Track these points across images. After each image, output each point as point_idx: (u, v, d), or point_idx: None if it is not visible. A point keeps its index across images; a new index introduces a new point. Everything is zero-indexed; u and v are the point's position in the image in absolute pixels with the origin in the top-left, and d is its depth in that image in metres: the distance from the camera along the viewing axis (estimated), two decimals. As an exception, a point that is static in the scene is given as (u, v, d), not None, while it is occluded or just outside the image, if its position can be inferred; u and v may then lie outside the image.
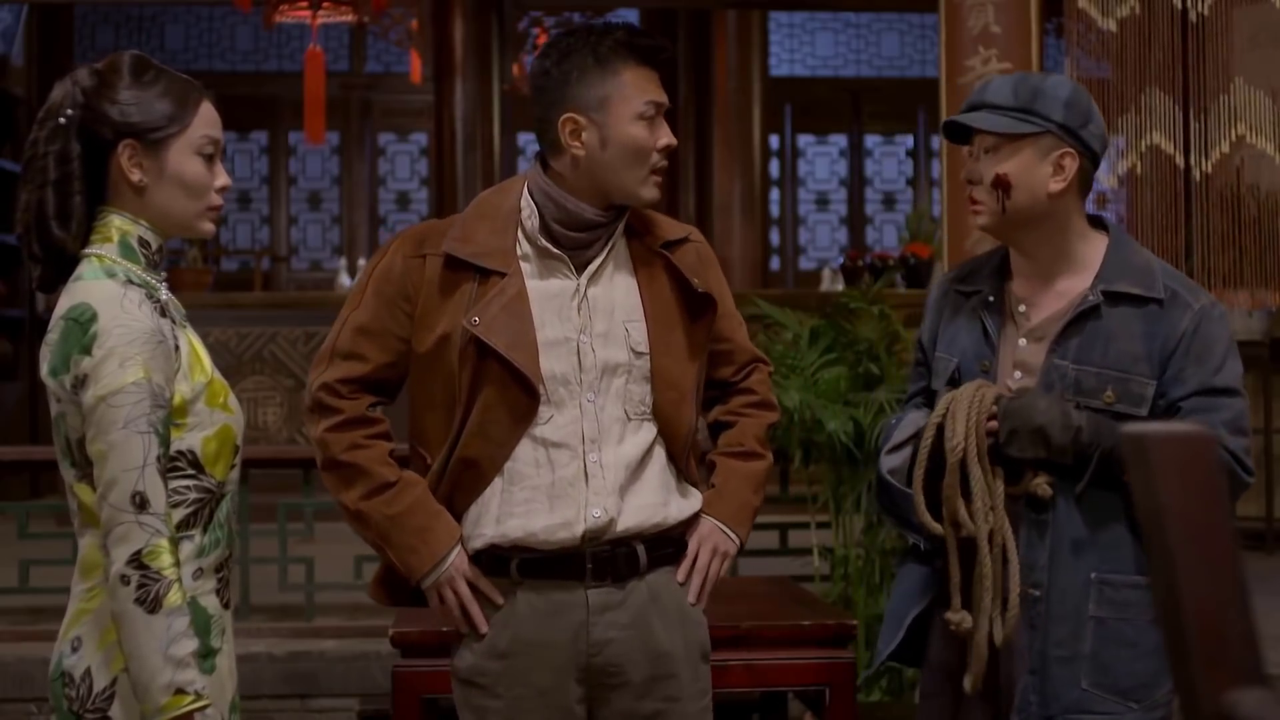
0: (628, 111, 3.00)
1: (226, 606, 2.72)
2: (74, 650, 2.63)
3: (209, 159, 2.71)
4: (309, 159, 14.73)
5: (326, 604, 6.22)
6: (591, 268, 3.05)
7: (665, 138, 3.04)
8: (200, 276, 10.27)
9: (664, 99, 3.06)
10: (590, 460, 2.99)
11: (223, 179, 2.73)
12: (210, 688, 2.60)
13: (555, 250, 3.04)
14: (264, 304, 10.10)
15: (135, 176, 2.67)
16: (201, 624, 2.63)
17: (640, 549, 3.04)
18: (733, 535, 3.14)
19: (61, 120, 2.68)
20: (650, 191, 3.04)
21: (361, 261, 11.53)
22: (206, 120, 2.71)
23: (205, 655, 2.63)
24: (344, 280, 11.15)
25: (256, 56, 14.62)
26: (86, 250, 2.67)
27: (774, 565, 5.91)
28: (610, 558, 3.02)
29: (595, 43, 3.02)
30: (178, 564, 2.54)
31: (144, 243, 2.69)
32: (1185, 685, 1.26)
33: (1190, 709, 1.26)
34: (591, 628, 3.02)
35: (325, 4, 9.39)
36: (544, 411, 2.99)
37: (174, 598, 2.51)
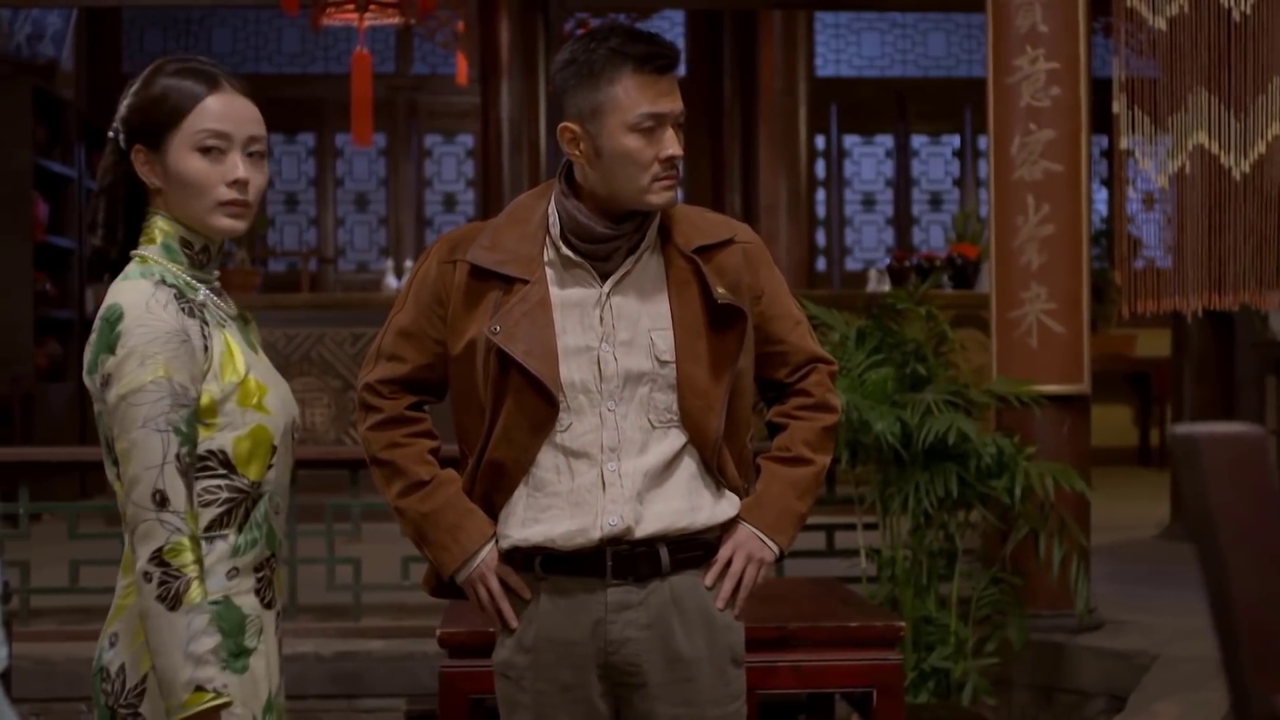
0: (619, 122, 2.96)
1: (269, 606, 2.72)
2: (111, 646, 2.65)
3: (211, 153, 2.68)
4: (356, 161, 14.77)
5: (373, 604, 6.24)
6: (616, 276, 3.04)
7: (668, 148, 2.98)
8: (248, 278, 10.30)
9: (666, 108, 2.97)
10: (608, 469, 3.00)
11: (235, 172, 2.68)
12: (241, 687, 2.61)
13: (577, 258, 3.04)
14: (311, 305, 10.13)
15: (150, 180, 2.70)
16: (236, 623, 2.64)
17: (662, 550, 3.04)
18: (770, 542, 3.12)
19: (110, 133, 2.75)
20: (659, 197, 3.00)
21: (408, 263, 11.55)
22: (208, 114, 2.68)
23: (238, 654, 2.63)
24: (390, 281, 11.17)
25: (303, 59, 14.66)
26: (135, 251, 2.71)
27: (821, 566, 5.90)
28: (630, 557, 3.03)
29: (591, 50, 2.98)
30: (199, 561, 2.54)
31: (186, 243, 2.71)
32: (1236, 686, 1.25)
33: (1241, 709, 1.25)
34: (610, 626, 3.04)
35: (372, 6, 9.41)
36: (564, 419, 3.01)
37: (194, 595, 2.52)
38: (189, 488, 2.57)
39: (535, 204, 3.12)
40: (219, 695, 2.52)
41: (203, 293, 2.71)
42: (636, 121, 2.96)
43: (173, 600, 2.51)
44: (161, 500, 2.53)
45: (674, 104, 3.00)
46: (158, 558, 2.52)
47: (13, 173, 10.38)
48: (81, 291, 11.10)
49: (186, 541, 2.53)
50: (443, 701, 3.95)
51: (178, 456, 2.55)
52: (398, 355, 3.13)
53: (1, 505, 6.28)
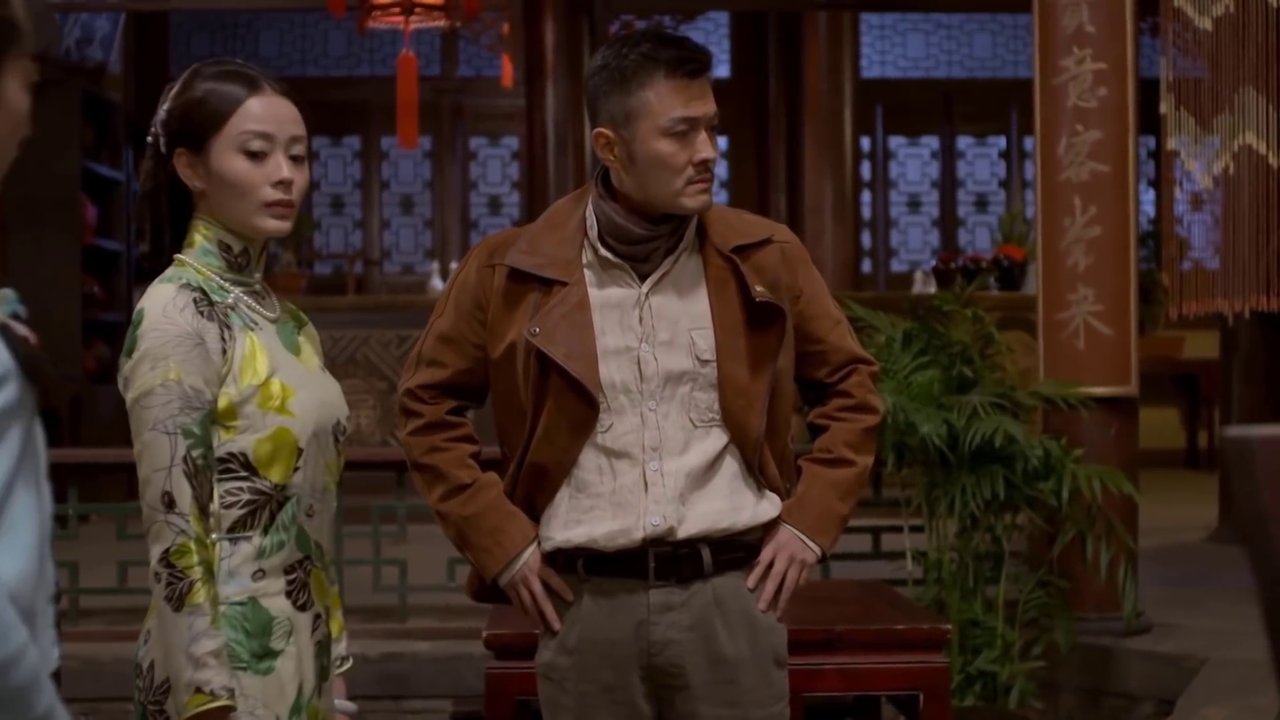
0: (651, 127, 2.98)
1: (303, 608, 2.71)
2: (144, 642, 2.68)
3: (255, 155, 2.68)
4: (401, 163, 14.81)
5: (419, 605, 6.25)
6: (655, 276, 3.05)
7: (702, 152, 2.99)
8: (294, 280, 10.34)
9: (698, 112, 2.98)
10: (650, 469, 3.01)
11: (279, 173, 2.69)
12: (264, 688, 2.62)
13: (616, 260, 3.05)
14: (357, 307, 10.16)
15: (193, 183, 2.71)
16: (261, 625, 2.64)
17: (705, 551, 3.04)
18: (811, 544, 3.12)
19: (149, 137, 2.75)
20: (693, 200, 3.01)
21: (453, 265, 11.56)
22: (250, 116, 2.68)
23: (262, 656, 2.64)
24: (436, 283, 11.20)
25: (349, 62, 14.71)
26: (178, 254, 2.73)
27: (867, 569, 5.89)
28: (673, 558, 3.03)
29: (623, 55, 3.00)
30: (205, 563, 2.55)
31: (224, 246, 2.72)
32: (1289, 691, 1.24)
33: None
34: (652, 627, 3.04)
35: (417, 9, 9.43)
36: (605, 420, 3.02)
37: (196, 596, 2.53)
38: (201, 490, 2.58)
39: (572, 208, 3.13)
40: (217, 697, 2.52)
41: (233, 295, 2.71)
42: (669, 126, 2.97)
43: (177, 601, 2.53)
44: (169, 502, 2.55)
45: (706, 108, 3.00)
46: (165, 559, 2.54)
47: (61, 176, 10.43)
48: (129, 294, 11.15)
49: (192, 543, 2.54)
50: (489, 703, 3.95)
51: (185, 459, 2.57)
52: (438, 360, 3.15)
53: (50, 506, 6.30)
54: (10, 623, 1.75)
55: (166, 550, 2.54)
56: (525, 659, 3.74)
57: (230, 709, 2.54)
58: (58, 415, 9.89)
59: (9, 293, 1.85)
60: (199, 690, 2.51)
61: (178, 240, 2.75)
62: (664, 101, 2.97)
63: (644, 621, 3.05)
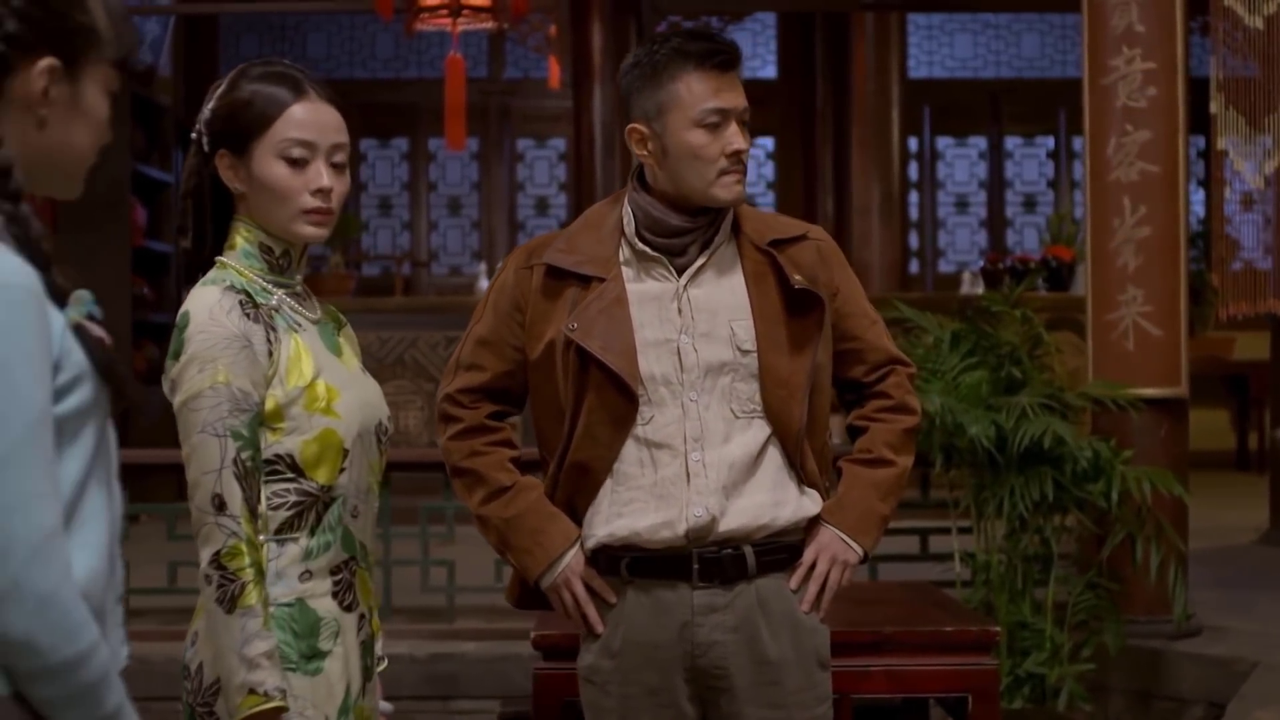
0: (683, 119, 3.01)
1: (349, 609, 2.72)
2: (192, 644, 2.70)
3: (296, 162, 2.69)
4: (449, 165, 14.84)
5: (467, 606, 6.26)
6: (693, 269, 3.07)
7: (733, 143, 3.02)
8: (342, 282, 10.37)
9: (729, 103, 3.02)
10: (692, 460, 3.01)
11: (318, 182, 2.69)
12: (313, 689, 2.63)
13: (653, 254, 3.07)
14: (405, 308, 10.18)
15: (233, 185, 2.71)
16: (309, 625, 2.65)
17: (748, 551, 3.04)
18: (854, 544, 3.11)
19: (193, 135, 2.76)
20: (726, 192, 3.04)
21: (500, 266, 11.60)
22: (294, 123, 2.69)
23: (311, 657, 2.64)
24: (483, 285, 11.21)
25: (397, 64, 14.75)
26: (219, 256, 2.74)
27: (915, 570, 5.88)
28: (717, 559, 3.03)
29: (654, 52, 3.04)
30: (256, 565, 2.56)
31: (266, 248, 2.72)
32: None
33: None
34: (696, 629, 3.04)
35: (465, 11, 9.44)
36: (645, 412, 3.03)
37: (249, 598, 2.53)
38: (250, 491, 2.59)
39: (609, 210, 3.16)
40: (270, 698, 2.53)
41: (277, 297, 2.72)
42: (700, 117, 3.01)
43: (229, 603, 2.53)
44: (220, 504, 2.55)
45: (737, 100, 3.04)
46: (216, 560, 2.54)
47: (111, 178, 10.49)
48: (179, 295, 11.19)
49: (243, 545, 2.55)
50: (537, 703, 3.95)
51: (235, 460, 2.57)
52: (477, 364, 3.17)
53: (101, 506, 6.36)
54: (81, 620, 1.77)
55: (217, 552, 2.55)
56: (573, 660, 3.74)
57: (283, 709, 2.55)
58: (129, 416, 9.97)
59: (85, 294, 1.87)
60: (252, 691, 2.52)
61: (219, 240, 2.76)
62: (695, 93, 3.01)
63: (688, 623, 3.05)
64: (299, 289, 2.79)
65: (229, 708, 2.54)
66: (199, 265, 2.76)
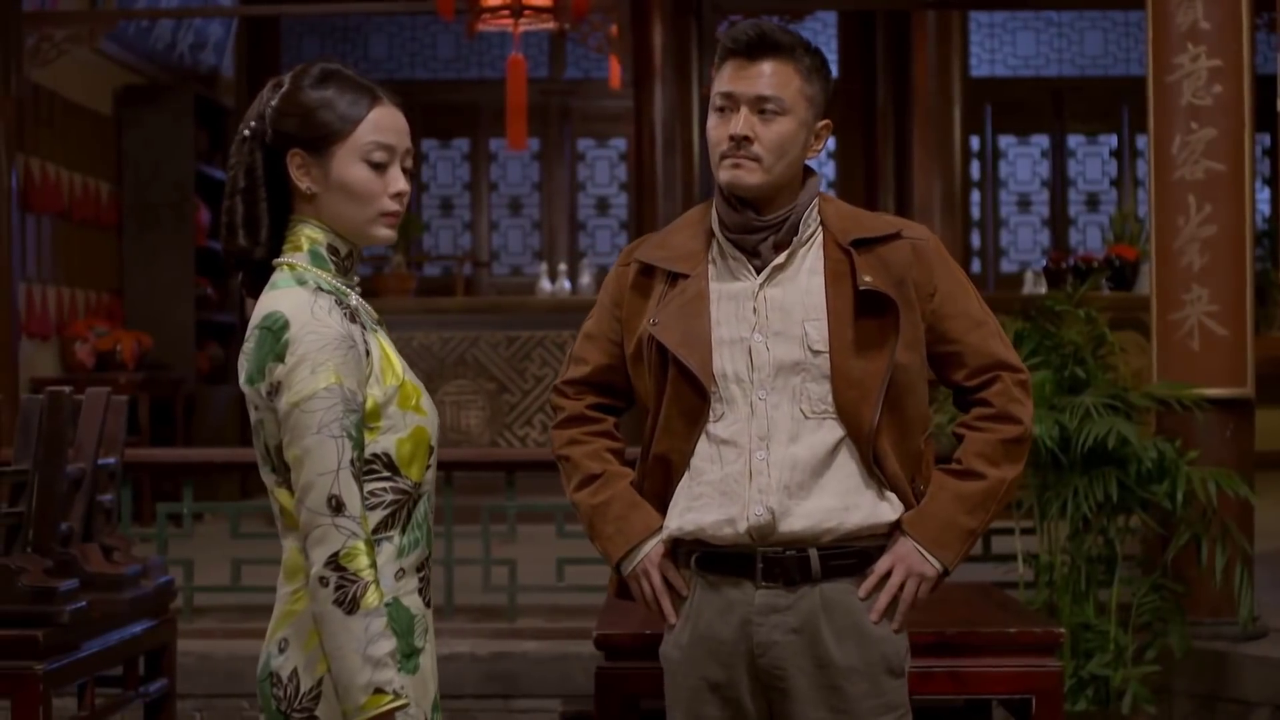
0: (710, 108, 3.07)
1: (428, 605, 2.74)
2: (281, 651, 2.67)
3: (378, 166, 2.70)
4: (510, 165, 14.87)
5: (529, 605, 6.28)
6: (770, 268, 3.07)
7: (734, 128, 3.03)
8: (404, 282, 10.41)
9: (738, 88, 3.03)
10: (757, 458, 3.01)
11: (397, 185, 2.71)
12: (414, 686, 2.63)
13: (735, 252, 3.10)
14: (466, 309, 10.21)
15: (304, 185, 2.70)
16: (405, 624, 2.66)
17: (813, 554, 3.03)
18: (932, 558, 3.06)
19: (246, 131, 2.74)
20: (724, 174, 3.04)
21: (561, 266, 11.61)
22: (376, 127, 2.70)
23: (408, 655, 2.65)
24: (545, 285, 11.22)
25: (458, 64, 14.79)
26: (279, 259, 2.72)
27: (978, 571, 5.85)
28: (780, 560, 3.03)
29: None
30: (374, 565, 2.56)
31: (333, 250, 2.72)
32: None
33: None
34: (756, 628, 3.05)
35: (526, 12, 9.46)
36: (716, 408, 3.05)
37: (371, 598, 2.54)
38: (361, 492, 2.59)
39: (707, 207, 3.20)
40: (397, 697, 2.54)
41: (354, 298, 2.73)
42: (715, 102, 3.06)
43: (350, 604, 2.52)
44: (337, 505, 2.55)
45: (748, 86, 3.03)
46: (334, 562, 2.53)
47: (176, 180, 10.59)
48: (241, 296, 11.27)
49: (362, 545, 2.55)
50: (599, 702, 3.95)
51: (351, 461, 2.58)
52: (581, 357, 3.25)
53: (166, 505, 6.42)
54: None
55: (335, 554, 2.53)
56: (636, 659, 3.75)
57: (406, 707, 2.56)
58: (172, 415, 10.02)
59: None
60: (379, 690, 2.52)
61: (276, 240, 2.74)
62: (719, 80, 3.06)
63: (748, 621, 3.05)
64: (358, 290, 2.80)
65: (350, 709, 2.53)
66: (250, 264, 2.74)
